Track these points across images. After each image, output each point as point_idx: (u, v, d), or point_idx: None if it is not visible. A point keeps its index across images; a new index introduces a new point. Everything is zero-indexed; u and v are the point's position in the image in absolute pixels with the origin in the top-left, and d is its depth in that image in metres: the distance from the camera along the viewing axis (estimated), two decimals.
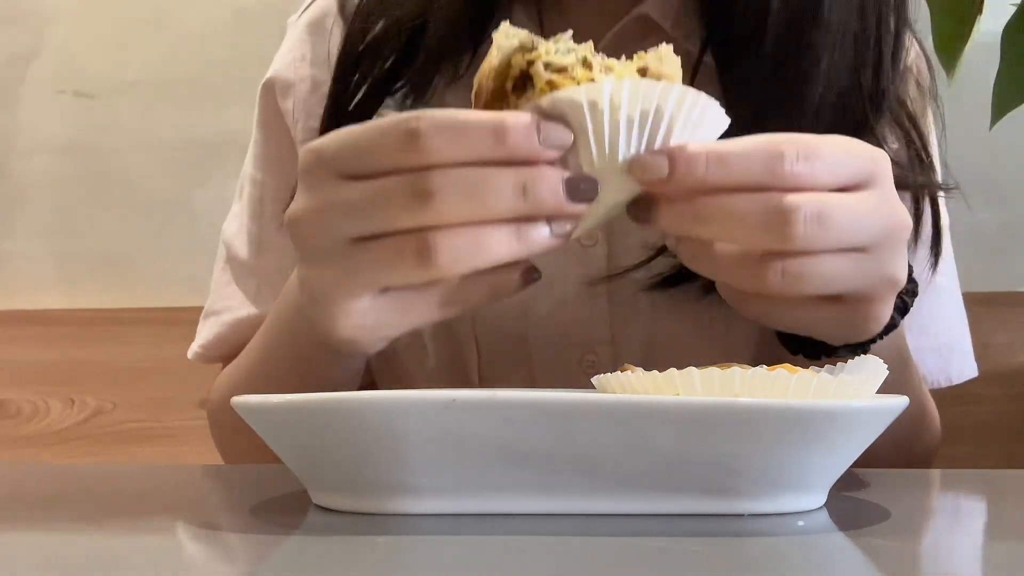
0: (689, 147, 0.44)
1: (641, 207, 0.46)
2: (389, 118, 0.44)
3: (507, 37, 0.47)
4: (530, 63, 0.46)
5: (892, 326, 0.53)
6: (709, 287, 0.63)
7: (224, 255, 0.78)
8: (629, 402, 0.39)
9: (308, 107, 0.74)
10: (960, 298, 0.76)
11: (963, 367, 0.75)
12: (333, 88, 0.70)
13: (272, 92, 0.76)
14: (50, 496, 0.51)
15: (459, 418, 0.39)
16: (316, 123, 0.72)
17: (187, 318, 1.27)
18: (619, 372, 0.44)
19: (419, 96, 0.69)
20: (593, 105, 0.43)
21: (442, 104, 0.70)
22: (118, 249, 1.38)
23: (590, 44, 0.46)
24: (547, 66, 0.45)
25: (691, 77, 0.67)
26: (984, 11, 0.80)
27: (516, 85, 0.46)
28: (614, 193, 0.45)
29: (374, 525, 0.40)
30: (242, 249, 0.76)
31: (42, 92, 1.40)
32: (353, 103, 0.69)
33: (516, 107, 0.46)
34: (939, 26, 0.79)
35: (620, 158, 0.44)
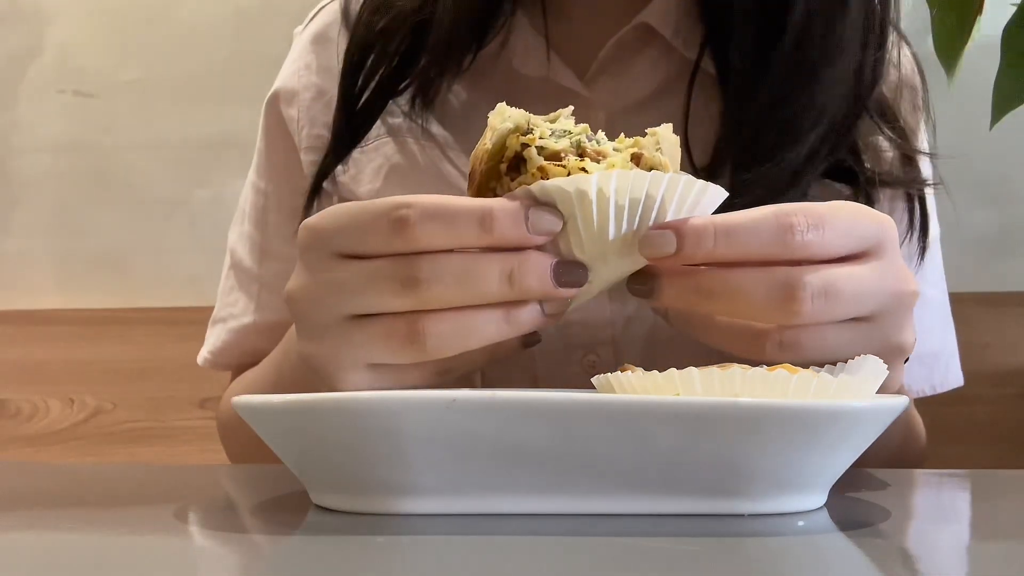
0: (694, 221, 0.44)
1: (641, 282, 0.46)
2: (382, 201, 0.45)
3: (503, 119, 0.47)
4: (524, 146, 0.46)
5: None
6: None
7: (229, 263, 0.79)
8: (629, 402, 0.39)
9: (312, 115, 0.75)
10: (948, 308, 0.76)
11: (948, 376, 0.75)
12: (341, 87, 0.70)
13: (276, 103, 0.77)
14: (50, 496, 0.51)
15: (459, 418, 0.39)
16: (320, 131, 0.74)
17: (187, 318, 1.28)
18: (619, 372, 0.44)
19: (425, 96, 0.69)
20: (581, 195, 0.44)
21: (446, 104, 0.70)
22: (118, 249, 1.38)
23: (586, 127, 0.47)
24: (540, 150, 0.46)
25: (689, 84, 0.68)
26: (984, 11, 0.80)
27: (511, 166, 0.47)
28: (608, 271, 0.46)
29: (374, 525, 0.40)
30: (245, 256, 0.77)
31: (42, 91, 1.40)
32: (361, 102, 0.70)
33: (510, 188, 0.46)
34: (939, 26, 0.79)
35: (611, 238, 0.44)
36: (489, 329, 0.45)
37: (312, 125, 0.74)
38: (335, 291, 0.46)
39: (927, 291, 0.73)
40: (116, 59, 1.38)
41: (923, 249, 0.70)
